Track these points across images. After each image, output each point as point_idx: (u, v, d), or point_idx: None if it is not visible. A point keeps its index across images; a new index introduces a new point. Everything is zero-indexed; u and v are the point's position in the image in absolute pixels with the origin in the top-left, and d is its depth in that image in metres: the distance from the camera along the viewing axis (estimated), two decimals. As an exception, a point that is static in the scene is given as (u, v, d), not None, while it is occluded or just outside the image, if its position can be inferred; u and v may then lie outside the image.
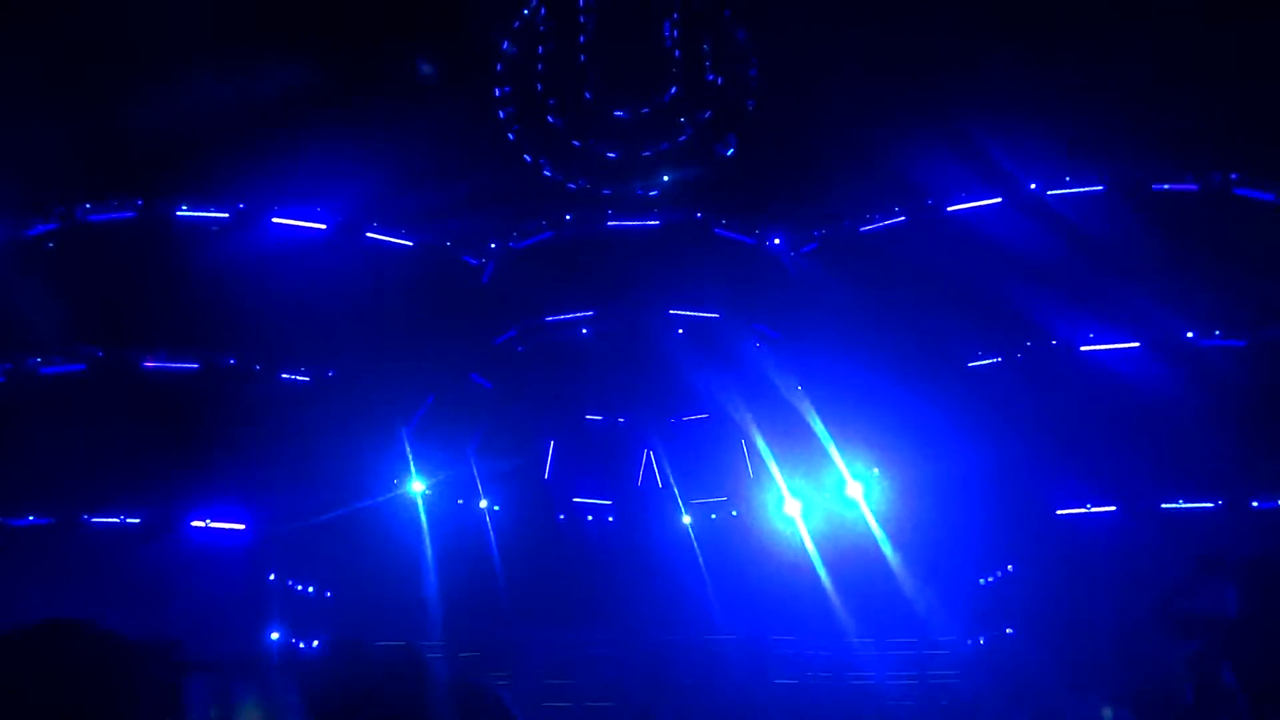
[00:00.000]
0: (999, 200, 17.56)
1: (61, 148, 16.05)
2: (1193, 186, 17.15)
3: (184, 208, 17.13)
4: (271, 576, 17.62)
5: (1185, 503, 17.44)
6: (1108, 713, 17.25)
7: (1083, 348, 17.64)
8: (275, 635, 17.21)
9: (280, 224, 17.30)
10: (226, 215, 17.16)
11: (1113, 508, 17.68)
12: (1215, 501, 17.36)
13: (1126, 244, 17.14)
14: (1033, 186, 17.49)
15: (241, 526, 17.14)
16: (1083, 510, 17.67)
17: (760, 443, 17.93)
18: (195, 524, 17.09)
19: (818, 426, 17.67)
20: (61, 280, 16.89)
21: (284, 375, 17.69)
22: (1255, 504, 17.29)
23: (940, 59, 16.37)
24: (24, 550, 16.33)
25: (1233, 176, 16.59)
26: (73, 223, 16.90)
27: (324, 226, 17.52)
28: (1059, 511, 17.76)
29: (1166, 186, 17.22)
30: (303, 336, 17.46)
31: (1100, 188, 17.37)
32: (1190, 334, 17.39)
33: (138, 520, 17.00)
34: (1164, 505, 17.49)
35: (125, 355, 17.04)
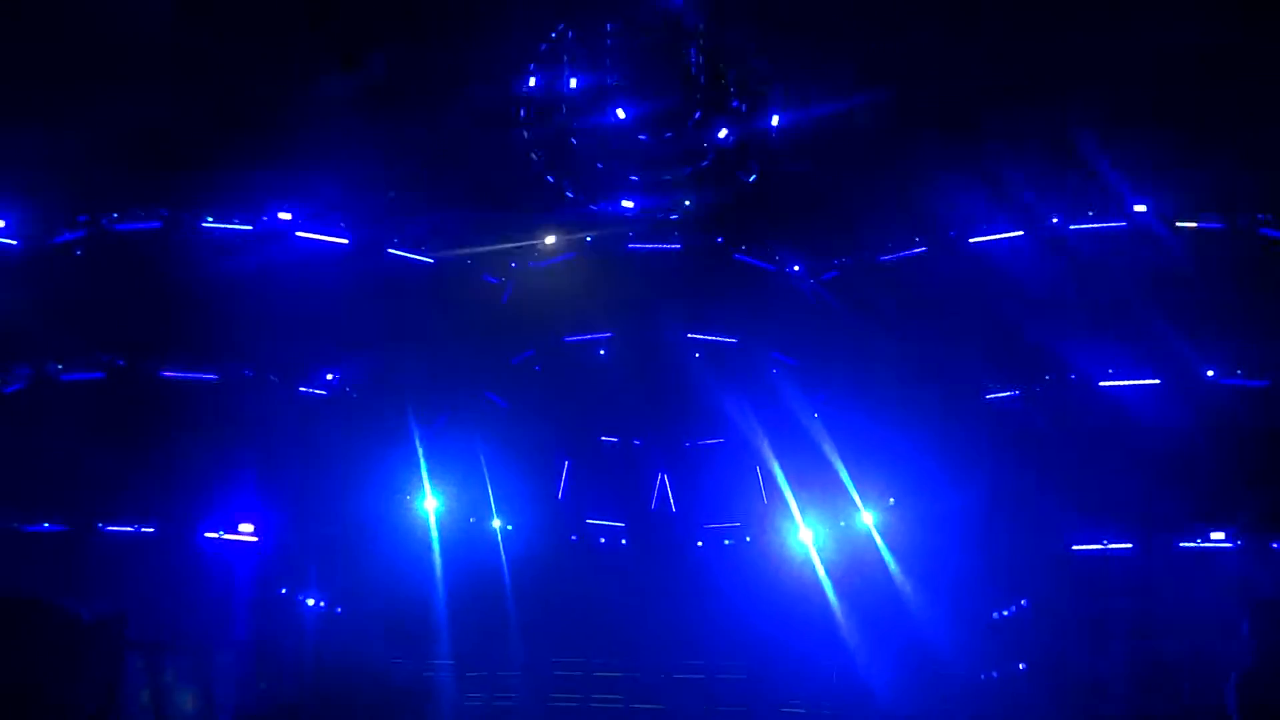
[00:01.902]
0: (1020, 233, 17.49)
1: (90, 156, 16.22)
2: (1218, 224, 17.06)
3: (209, 219, 17.23)
4: (283, 590, 17.65)
5: (1203, 542, 17.27)
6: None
7: (1102, 383, 17.50)
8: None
9: (303, 238, 17.39)
10: (250, 228, 17.25)
11: (1129, 545, 17.52)
12: (1235, 542, 17.18)
13: (1148, 280, 17.07)
14: (1054, 220, 17.42)
15: (255, 539, 17.16)
16: (1099, 547, 17.51)
17: (775, 469, 17.90)
18: (209, 534, 17.12)
19: (833, 455, 17.63)
20: (85, 288, 17.03)
21: (301, 388, 17.74)
22: (1275, 545, 17.12)
23: (969, 89, 16.36)
24: (37, 557, 16.39)
25: (1260, 216, 16.48)
26: (99, 231, 17.01)
27: (346, 241, 17.60)
28: (1075, 548, 17.59)
29: (1191, 224, 17.12)
30: (321, 350, 17.56)
31: (1123, 223, 17.29)
32: (1211, 373, 17.24)
33: (152, 530, 17.05)
34: (1182, 544, 17.32)
35: (145, 364, 17.11)
